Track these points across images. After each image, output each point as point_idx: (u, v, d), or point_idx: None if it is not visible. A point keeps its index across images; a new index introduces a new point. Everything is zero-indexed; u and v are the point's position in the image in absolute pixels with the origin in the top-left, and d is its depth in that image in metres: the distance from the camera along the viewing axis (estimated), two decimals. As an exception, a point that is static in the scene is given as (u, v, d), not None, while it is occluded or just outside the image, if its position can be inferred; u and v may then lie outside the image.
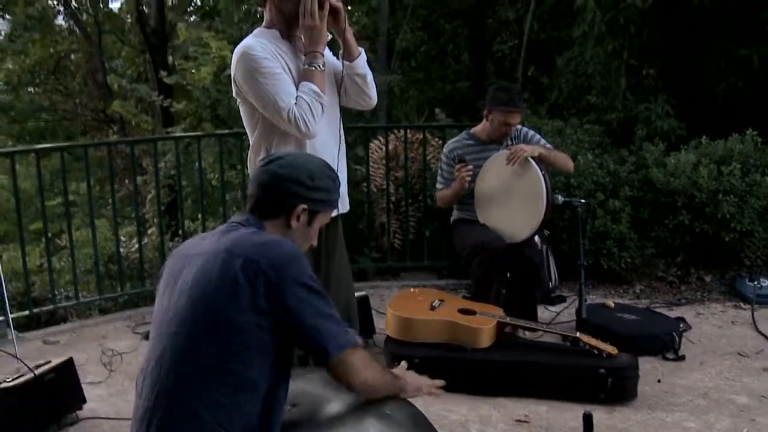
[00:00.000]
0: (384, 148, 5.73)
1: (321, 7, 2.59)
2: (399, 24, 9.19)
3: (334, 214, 2.82)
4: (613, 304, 4.32)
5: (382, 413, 1.74)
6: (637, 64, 6.16)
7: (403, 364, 2.20)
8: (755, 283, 4.67)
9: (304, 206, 1.90)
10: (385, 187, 5.64)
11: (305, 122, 2.58)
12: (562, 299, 4.77)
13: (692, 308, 4.63)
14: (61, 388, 3.32)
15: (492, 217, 4.03)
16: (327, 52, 2.77)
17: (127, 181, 8.80)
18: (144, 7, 12.40)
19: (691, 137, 5.47)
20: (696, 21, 5.84)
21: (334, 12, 2.65)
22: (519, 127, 4.15)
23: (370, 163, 5.79)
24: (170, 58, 12.26)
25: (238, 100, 2.78)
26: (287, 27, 2.70)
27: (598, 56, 6.23)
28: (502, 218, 3.98)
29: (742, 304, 4.66)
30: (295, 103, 2.59)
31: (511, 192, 3.94)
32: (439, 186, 4.30)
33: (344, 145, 2.88)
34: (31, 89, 15.55)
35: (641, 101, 6.01)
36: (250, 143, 2.84)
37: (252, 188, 1.93)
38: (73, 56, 15.62)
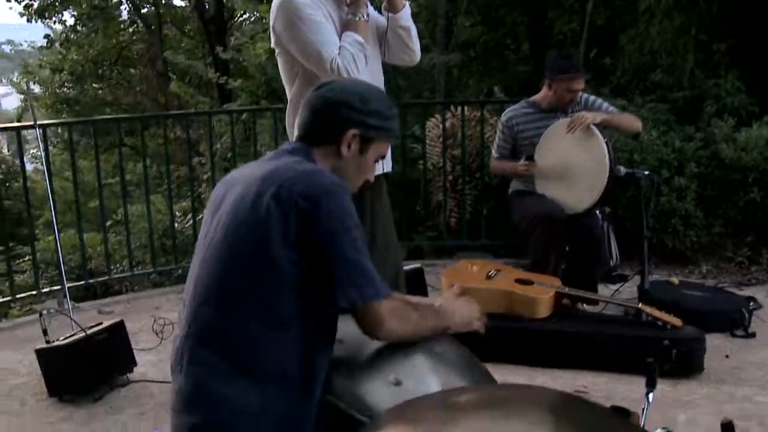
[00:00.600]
0: (441, 126, 5.63)
1: None
2: (458, 8, 9.03)
3: (378, 171, 2.74)
4: (677, 281, 4.14)
5: (432, 351, 1.63)
6: (706, 39, 5.90)
7: (456, 288, 2.09)
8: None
9: (355, 131, 1.75)
10: (441, 165, 5.54)
11: (348, 73, 2.49)
12: (623, 278, 4.57)
13: (764, 288, 4.40)
14: (112, 349, 3.33)
15: (552, 187, 3.89)
16: (369, 7, 2.68)
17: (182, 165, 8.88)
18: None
19: (764, 113, 5.21)
20: (769, -8, 5.56)
21: None
22: (580, 93, 4.00)
23: (427, 142, 5.70)
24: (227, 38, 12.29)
25: (277, 51, 2.70)
26: None
27: (664, 32, 5.98)
28: (563, 188, 3.84)
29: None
30: (339, 53, 2.51)
31: (572, 161, 3.79)
32: (495, 154, 4.18)
33: None
34: (95, 84, 15.83)
35: (710, 78, 5.75)
36: (288, 98, 2.76)
37: (302, 114, 1.82)
38: (134, 47, 15.86)
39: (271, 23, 2.65)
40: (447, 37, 8.26)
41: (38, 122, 4.29)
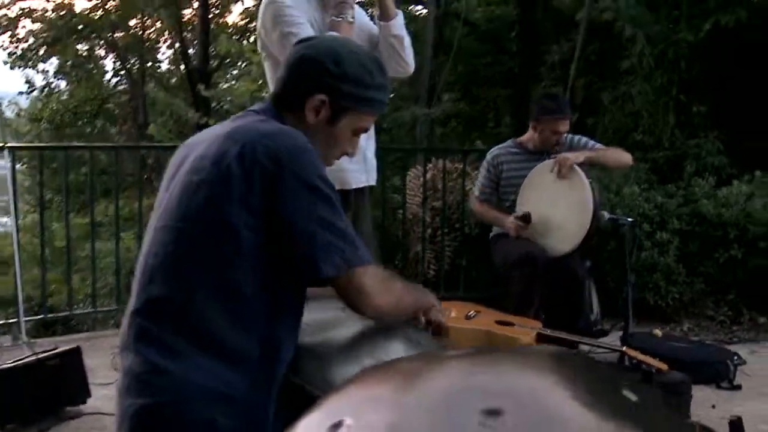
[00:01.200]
0: (422, 177, 5.57)
1: None
2: (441, 67, 9.13)
3: (361, 184, 2.63)
4: (660, 333, 4.02)
5: (409, 338, 1.48)
6: (686, 101, 5.95)
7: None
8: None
9: (323, 97, 1.53)
10: (421, 215, 5.45)
11: None
12: (604, 333, 4.46)
13: (746, 346, 4.28)
14: (64, 377, 3.13)
15: (535, 229, 3.79)
16: (361, 12, 2.62)
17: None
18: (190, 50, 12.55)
19: (743, 173, 5.21)
20: (748, 56, 5.64)
21: None
22: (566, 135, 3.94)
23: (407, 192, 5.63)
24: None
25: (263, 55, 2.64)
26: None
27: (645, 92, 6.04)
28: (546, 230, 3.73)
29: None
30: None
31: (556, 203, 3.71)
32: (477, 194, 4.09)
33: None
34: (75, 142, 15.67)
35: (690, 138, 5.78)
36: None
37: (278, 72, 1.64)
38: (115, 100, 15.85)
39: (258, 26, 2.61)
40: (429, 94, 8.31)
41: (8, 144, 4.16)
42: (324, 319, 1.47)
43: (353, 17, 2.50)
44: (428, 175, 5.53)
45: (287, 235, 1.41)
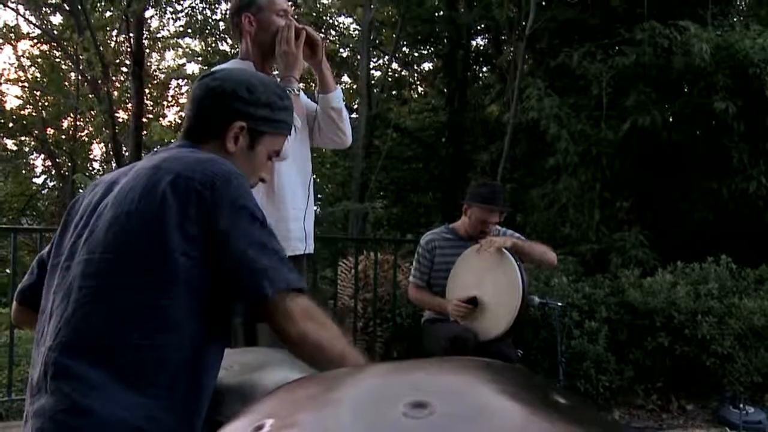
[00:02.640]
0: (353, 268, 5.57)
1: (297, 36, 2.53)
2: (373, 167, 9.32)
3: (299, 251, 2.61)
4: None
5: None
6: (610, 197, 6.18)
7: None
8: (741, 409, 4.40)
9: (242, 123, 1.59)
10: (353, 306, 5.42)
11: None
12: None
13: (675, 435, 4.32)
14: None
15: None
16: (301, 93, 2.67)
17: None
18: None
19: (665, 265, 5.38)
20: (666, 155, 5.94)
21: (311, 44, 2.58)
22: (498, 228, 3.99)
23: (338, 283, 5.61)
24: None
25: None
26: (262, 59, 2.61)
27: (571, 188, 6.26)
28: (476, 314, 3.73)
29: (728, 430, 4.35)
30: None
31: (486, 286, 3.72)
32: (413, 279, 4.08)
33: (312, 191, 2.71)
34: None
35: (615, 232, 5.98)
36: None
37: (186, 108, 1.65)
38: (44, 197, 15.55)
39: None
40: (361, 192, 8.44)
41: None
42: (253, 362, 1.42)
43: (299, 90, 2.56)
44: (360, 266, 5.53)
45: (222, 259, 1.39)
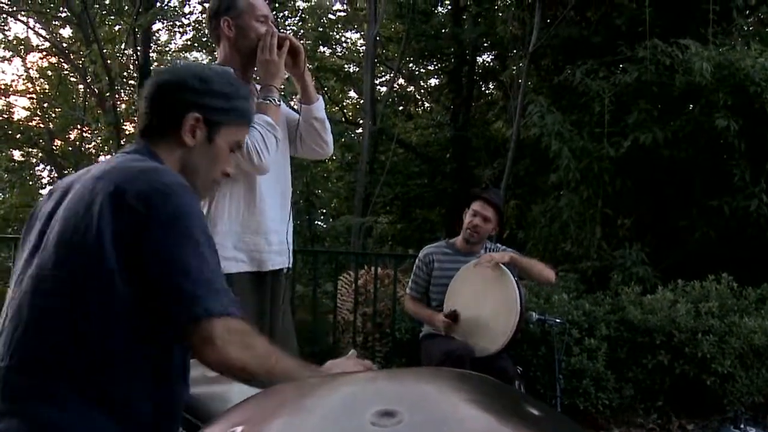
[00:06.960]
0: (354, 283, 5.58)
1: (280, 45, 2.49)
2: (377, 182, 9.34)
3: (278, 266, 2.59)
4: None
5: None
6: (611, 214, 6.17)
7: (353, 352, 1.82)
8: (742, 429, 4.36)
9: (197, 115, 1.53)
10: (352, 320, 5.43)
11: (258, 153, 2.37)
12: (534, 439, 4.40)
13: (675, 453, 4.29)
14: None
15: (462, 329, 3.78)
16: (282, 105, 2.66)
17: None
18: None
19: (666, 283, 5.37)
20: (667, 172, 5.94)
21: (293, 53, 2.54)
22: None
23: (338, 297, 5.61)
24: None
25: None
26: (242, 66, 2.53)
27: (572, 204, 6.26)
28: (473, 330, 3.73)
29: (728, 450, 4.32)
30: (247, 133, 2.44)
31: (483, 302, 3.72)
32: (409, 291, 4.09)
33: (291, 205, 2.70)
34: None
35: (616, 249, 5.97)
36: None
37: (139, 107, 1.60)
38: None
39: None
40: (364, 207, 8.45)
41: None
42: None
43: (279, 100, 2.55)
44: (360, 281, 5.54)
45: (149, 281, 1.34)
